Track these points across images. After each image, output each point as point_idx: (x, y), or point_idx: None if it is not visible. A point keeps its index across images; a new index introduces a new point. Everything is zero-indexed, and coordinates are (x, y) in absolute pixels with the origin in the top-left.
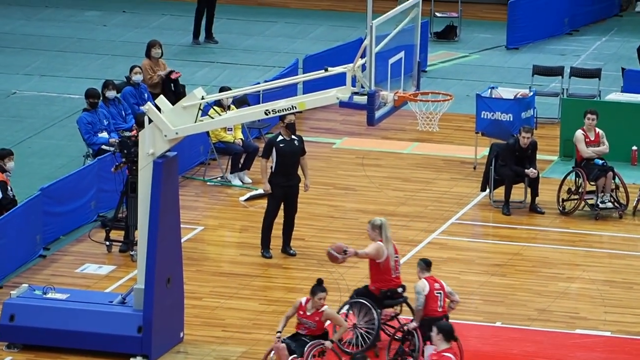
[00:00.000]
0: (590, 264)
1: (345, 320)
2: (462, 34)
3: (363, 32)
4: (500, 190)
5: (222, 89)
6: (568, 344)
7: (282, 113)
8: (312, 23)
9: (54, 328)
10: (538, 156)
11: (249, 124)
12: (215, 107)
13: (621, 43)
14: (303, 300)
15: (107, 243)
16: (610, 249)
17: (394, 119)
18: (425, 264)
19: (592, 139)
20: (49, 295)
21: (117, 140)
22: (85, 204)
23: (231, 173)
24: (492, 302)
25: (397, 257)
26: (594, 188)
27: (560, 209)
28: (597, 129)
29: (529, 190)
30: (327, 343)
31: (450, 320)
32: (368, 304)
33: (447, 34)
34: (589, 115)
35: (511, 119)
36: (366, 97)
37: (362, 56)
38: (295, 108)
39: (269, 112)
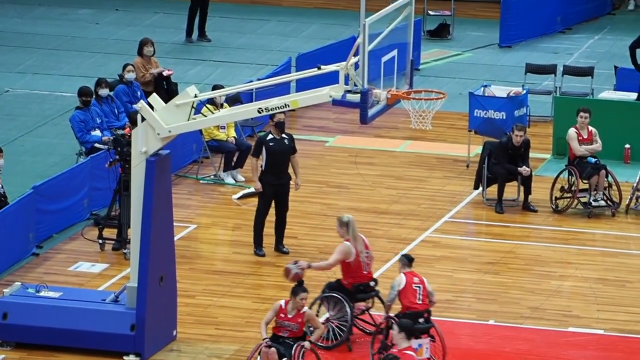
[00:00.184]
0: (583, 262)
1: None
2: (455, 32)
3: (356, 31)
4: (493, 189)
5: (215, 87)
6: (561, 342)
7: (275, 111)
8: (305, 21)
9: (47, 326)
10: (531, 154)
11: (242, 122)
12: (208, 105)
13: (614, 41)
14: (282, 302)
15: (100, 241)
16: (603, 247)
17: (386, 117)
18: (407, 260)
19: (585, 137)
20: (42, 294)
21: (110, 138)
22: (78, 202)
23: (224, 171)
24: (485, 300)
25: (367, 252)
26: (586, 186)
27: (553, 207)
28: (590, 127)
29: (522, 188)
30: (306, 344)
31: (443, 319)
32: (340, 298)
33: (440, 32)
34: (581, 114)
35: (504, 117)
36: (359, 95)
37: (355, 54)
38: (288, 106)
39: (262, 111)
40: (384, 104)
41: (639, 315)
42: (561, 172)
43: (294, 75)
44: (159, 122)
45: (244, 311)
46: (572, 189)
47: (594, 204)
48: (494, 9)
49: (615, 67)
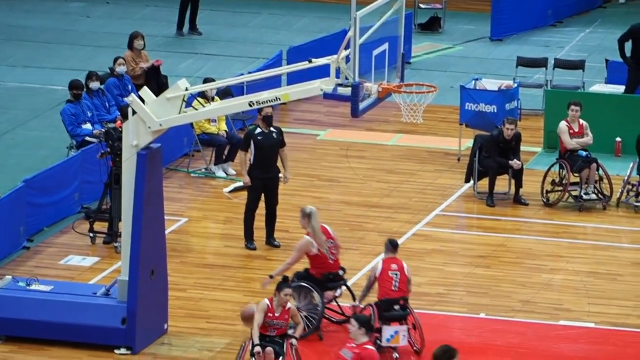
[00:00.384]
0: (574, 255)
1: None
2: (446, 25)
3: (347, 24)
4: (484, 182)
5: (206, 81)
6: (552, 336)
7: (266, 104)
8: (296, 14)
9: (38, 320)
10: (522, 147)
11: (232, 116)
12: (199, 99)
13: (605, 34)
14: (268, 302)
15: (91, 235)
16: (594, 240)
17: (378, 111)
18: (391, 245)
19: (576, 130)
20: (33, 287)
21: (102, 131)
22: (69, 195)
23: (215, 165)
24: (476, 294)
25: (331, 242)
26: (577, 179)
27: (544, 200)
28: (581, 120)
29: (513, 181)
30: (294, 340)
31: (434, 312)
32: (310, 287)
33: (431, 26)
34: (572, 107)
35: (495, 111)
36: (350, 88)
37: (346, 48)
38: (280, 99)
39: (253, 104)
40: (375, 98)
41: (630, 308)
42: (552, 166)
43: (285, 69)
44: (150, 115)
45: (235, 304)
46: (563, 182)
47: (585, 197)
48: (485, 2)
49: (607, 60)
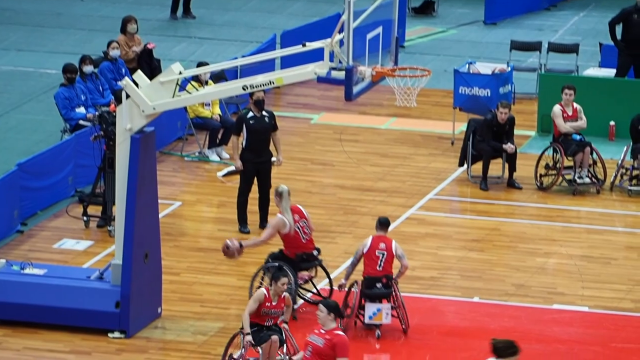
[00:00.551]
0: (567, 239)
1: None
2: (440, 9)
3: (341, 7)
4: (478, 166)
5: (199, 64)
6: (545, 319)
7: (260, 88)
8: None
9: (32, 303)
10: (516, 131)
11: (226, 100)
12: (192, 83)
13: (599, 18)
14: (265, 291)
15: (85, 218)
16: (588, 224)
17: (371, 94)
18: (379, 223)
19: (570, 114)
20: (27, 271)
21: (95, 115)
22: (63, 179)
23: (209, 148)
24: (470, 278)
25: (304, 222)
26: (571, 163)
27: (538, 184)
28: (575, 104)
29: (506, 165)
30: (285, 325)
31: (427, 296)
32: (284, 268)
33: (425, 9)
34: (566, 91)
35: (489, 94)
36: (344, 72)
37: (340, 31)
38: (273, 83)
39: (247, 88)
40: (369, 81)
41: (623, 292)
42: (546, 150)
43: (278, 52)
44: (144, 99)
45: (228, 288)
46: (557, 166)
47: (578, 181)
48: None
49: (600, 44)
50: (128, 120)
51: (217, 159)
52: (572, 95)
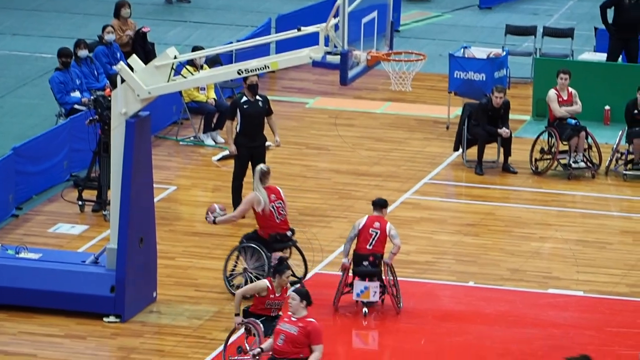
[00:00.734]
0: (563, 223)
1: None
2: None
3: None
4: (473, 150)
5: (194, 49)
6: (541, 304)
7: (255, 72)
8: None
9: (27, 287)
10: (511, 116)
11: (221, 84)
12: (188, 67)
13: (594, 2)
14: (268, 283)
15: (80, 203)
16: (583, 208)
17: (366, 79)
18: (375, 203)
19: (565, 98)
20: (22, 255)
21: (90, 99)
22: (58, 163)
23: (204, 133)
24: (465, 262)
25: (279, 203)
26: (566, 148)
27: (533, 168)
28: (570, 89)
29: (501, 150)
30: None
31: (423, 280)
32: (258, 248)
33: None
34: (561, 75)
35: (484, 79)
36: (339, 56)
37: (335, 16)
38: (268, 67)
39: (242, 72)
40: (364, 66)
41: (618, 276)
42: (541, 134)
43: (274, 37)
44: (139, 83)
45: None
46: (552, 150)
47: (574, 165)
48: None
49: (596, 29)
50: (123, 105)
51: (212, 143)
52: (567, 80)
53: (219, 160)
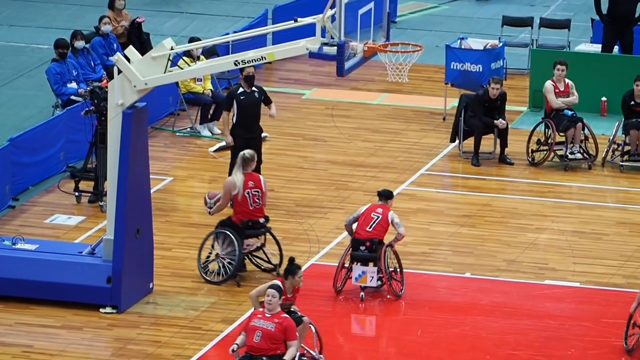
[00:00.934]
0: (559, 214)
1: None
2: None
3: None
4: (470, 141)
5: (191, 40)
6: (537, 295)
7: (251, 64)
8: None
9: (23, 278)
10: (507, 107)
11: (218, 75)
12: (184, 58)
13: None
14: (279, 283)
15: (77, 194)
16: (580, 199)
17: (363, 70)
18: (379, 193)
19: (562, 89)
20: (18, 246)
21: (87, 90)
22: (55, 154)
23: (200, 124)
24: (461, 253)
25: (256, 191)
26: (563, 139)
27: (530, 159)
28: (567, 80)
29: (498, 141)
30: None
31: (419, 271)
32: (230, 235)
33: None
34: (558, 66)
35: (481, 70)
36: (336, 47)
37: (332, 7)
38: (265, 59)
39: (239, 63)
40: (361, 57)
41: (614, 268)
42: (538, 125)
43: (270, 28)
44: (135, 74)
45: None
46: (549, 141)
47: (570, 156)
48: None
49: (592, 20)
50: (120, 96)
51: (209, 134)
52: (564, 71)
53: (215, 151)
